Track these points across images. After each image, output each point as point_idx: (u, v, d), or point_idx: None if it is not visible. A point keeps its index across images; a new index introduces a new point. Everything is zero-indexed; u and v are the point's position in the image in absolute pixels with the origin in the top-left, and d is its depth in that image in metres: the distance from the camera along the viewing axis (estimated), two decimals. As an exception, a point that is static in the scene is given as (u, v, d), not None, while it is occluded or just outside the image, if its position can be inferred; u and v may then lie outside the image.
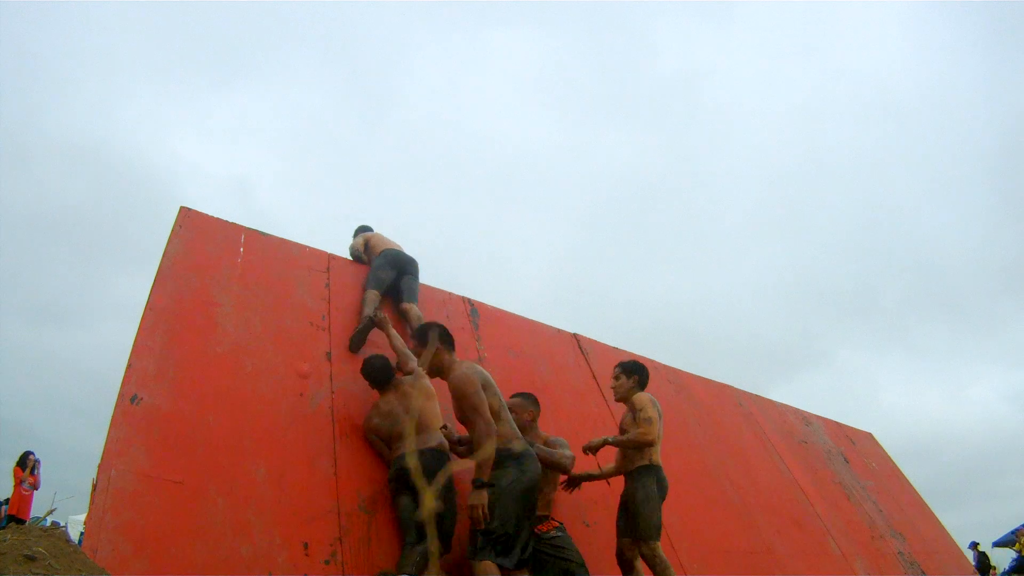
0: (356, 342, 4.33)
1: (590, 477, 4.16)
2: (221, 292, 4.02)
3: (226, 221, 4.48)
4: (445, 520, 3.51)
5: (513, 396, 4.07)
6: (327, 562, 3.29)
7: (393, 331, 4.35)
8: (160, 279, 3.82)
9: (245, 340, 3.90)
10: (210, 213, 4.43)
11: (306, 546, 3.28)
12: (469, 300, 5.52)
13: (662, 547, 3.77)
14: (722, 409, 7.01)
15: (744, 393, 7.69)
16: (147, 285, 3.78)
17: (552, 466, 3.84)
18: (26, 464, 8.36)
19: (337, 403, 4.00)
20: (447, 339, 3.56)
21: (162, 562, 2.85)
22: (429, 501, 3.50)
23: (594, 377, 5.84)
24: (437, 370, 3.53)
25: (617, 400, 4.27)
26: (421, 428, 3.80)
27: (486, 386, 3.37)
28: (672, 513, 4.39)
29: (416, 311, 4.66)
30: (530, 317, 5.99)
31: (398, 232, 5.35)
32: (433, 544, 3.42)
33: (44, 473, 8.67)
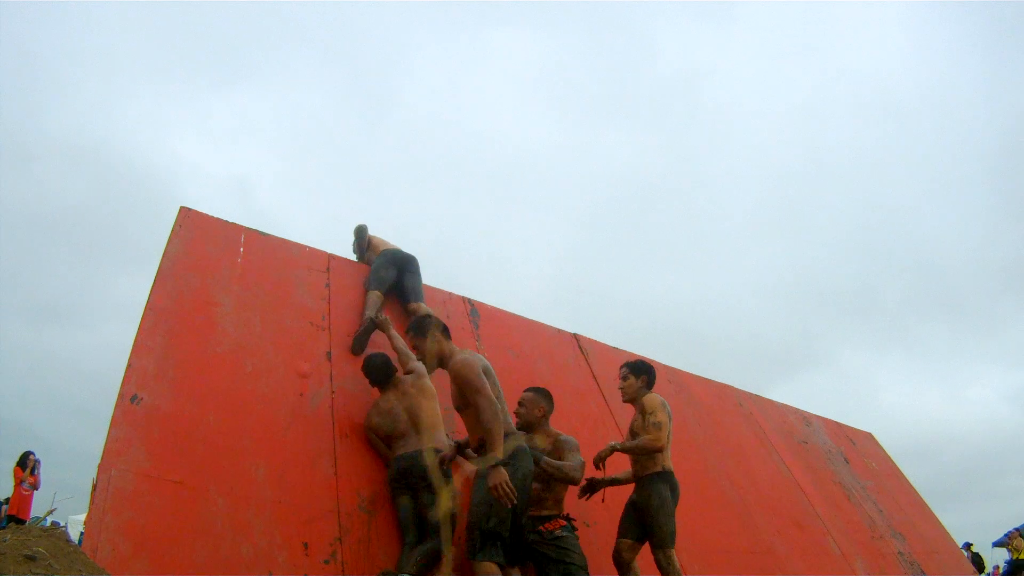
0: (358, 344, 4.33)
1: (615, 482, 4.07)
2: (221, 292, 4.02)
3: (226, 221, 4.48)
4: (444, 520, 3.51)
5: (527, 391, 4.01)
6: (327, 562, 3.29)
7: (395, 332, 4.35)
8: (160, 279, 3.82)
9: (245, 340, 3.90)
10: (210, 213, 4.43)
11: (306, 546, 3.28)
12: (469, 300, 5.52)
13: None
14: (722, 409, 7.01)
15: (744, 393, 7.69)
16: (147, 285, 3.78)
17: (561, 480, 3.76)
18: (26, 464, 8.36)
19: (337, 403, 4.00)
20: (444, 330, 3.56)
21: (162, 562, 2.85)
22: (446, 501, 3.52)
23: (594, 377, 5.84)
24: (438, 360, 3.50)
25: (625, 401, 4.20)
26: (421, 428, 3.80)
27: (486, 373, 3.35)
28: (672, 513, 4.38)
29: (425, 310, 4.66)
30: (530, 317, 5.99)
31: (398, 232, 5.36)
32: (447, 546, 3.41)
33: (44, 473, 8.68)
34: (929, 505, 8.77)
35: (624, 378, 4.14)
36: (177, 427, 3.30)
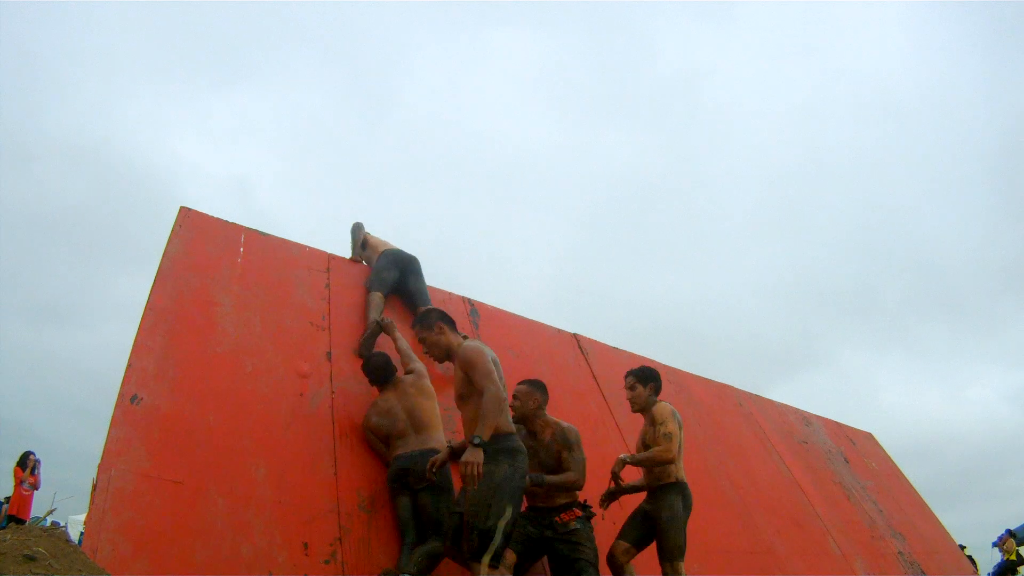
0: (365, 348, 4.32)
1: (635, 489, 4.01)
2: (221, 292, 4.02)
3: (226, 221, 4.48)
4: (443, 520, 3.50)
5: (520, 383, 3.98)
6: (327, 562, 3.29)
7: (399, 335, 4.34)
8: (160, 279, 3.82)
9: (245, 340, 3.90)
10: (210, 213, 4.43)
11: (306, 546, 3.28)
12: (469, 300, 5.52)
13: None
14: (722, 409, 7.01)
15: (744, 393, 7.69)
16: (147, 285, 3.78)
17: (563, 488, 3.71)
18: (26, 464, 8.36)
19: (337, 403, 4.00)
20: (448, 321, 3.51)
21: (162, 562, 2.85)
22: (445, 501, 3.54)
23: (594, 377, 5.84)
24: (445, 352, 3.42)
25: (635, 411, 4.14)
26: (420, 428, 3.79)
27: (494, 363, 3.27)
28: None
29: None
30: (530, 317, 5.99)
31: (398, 232, 5.37)
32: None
33: (44, 473, 8.68)
34: (929, 505, 8.77)
35: (631, 388, 4.08)
36: (177, 427, 3.30)
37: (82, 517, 8.52)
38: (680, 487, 3.82)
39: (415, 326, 3.59)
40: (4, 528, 2.76)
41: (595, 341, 6.34)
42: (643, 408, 4.04)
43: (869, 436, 9.43)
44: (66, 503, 11.12)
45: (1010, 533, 12.70)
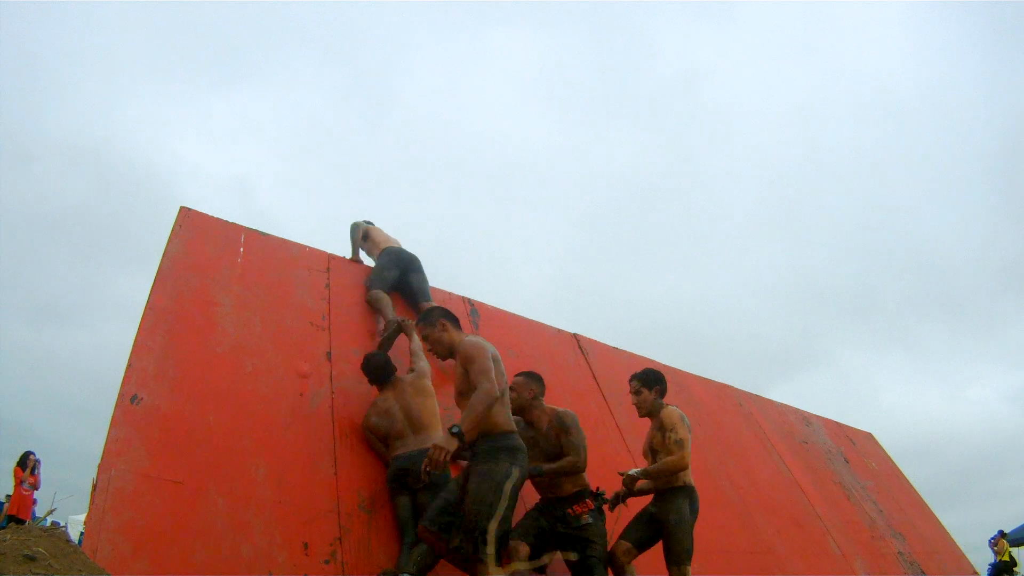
0: (385, 348, 4.35)
1: (644, 492, 3.95)
2: (221, 292, 4.02)
3: (226, 221, 4.48)
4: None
5: (517, 375, 3.97)
6: (327, 562, 3.29)
7: (416, 336, 4.33)
8: (160, 279, 3.82)
9: (245, 340, 3.90)
10: (210, 213, 4.43)
11: (306, 546, 3.28)
12: (469, 300, 5.52)
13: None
14: (722, 409, 7.01)
15: (744, 393, 7.69)
16: (147, 285, 3.78)
17: (565, 474, 3.69)
18: (26, 464, 8.37)
19: (337, 403, 4.00)
20: (452, 318, 3.51)
21: (162, 562, 2.85)
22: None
23: (594, 377, 5.84)
24: (448, 349, 3.40)
25: (642, 416, 4.08)
26: (418, 427, 3.79)
27: (495, 360, 3.25)
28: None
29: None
30: (530, 317, 5.99)
31: (398, 232, 5.35)
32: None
33: (44, 473, 8.69)
34: (929, 505, 8.78)
35: (636, 392, 4.00)
36: (177, 427, 3.30)
37: (82, 517, 8.52)
38: (688, 491, 3.78)
39: (419, 323, 3.60)
40: (4, 528, 2.76)
41: (595, 341, 6.34)
42: (650, 412, 3.98)
43: (869, 436, 9.43)
44: (66, 503, 11.11)
45: (1002, 534, 12.78)
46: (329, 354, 4.23)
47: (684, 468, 3.73)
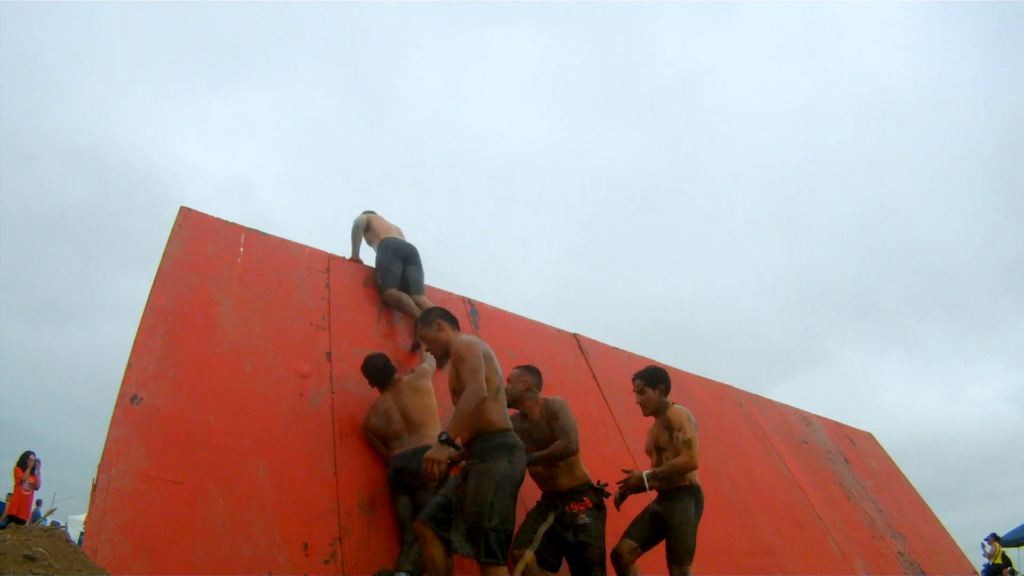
0: (416, 347, 4.57)
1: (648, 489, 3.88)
2: (221, 292, 4.02)
3: (226, 221, 4.47)
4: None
5: (514, 368, 3.98)
6: (327, 562, 3.29)
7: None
8: (160, 279, 3.82)
9: (245, 340, 3.90)
10: (210, 213, 4.43)
11: (306, 546, 3.28)
12: (469, 300, 5.52)
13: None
14: (722, 409, 7.01)
15: (744, 393, 7.69)
16: (147, 285, 3.78)
17: (556, 460, 3.65)
18: (26, 464, 8.37)
19: (337, 403, 4.00)
20: (449, 318, 3.50)
21: (162, 562, 2.85)
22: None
23: (594, 377, 5.84)
24: (444, 349, 3.39)
25: (647, 415, 4.05)
26: (413, 426, 3.79)
27: (487, 358, 3.23)
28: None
29: (428, 303, 4.68)
30: (530, 317, 5.99)
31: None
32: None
33: (44, 473, 8.69)
34: (929, 505, 8.78)
35: (640, 392, 3.96)
36: (177, 427, 3.30)
37: (82, 517, 8.53)
38: (694, 491, 3.76)
39: (418, 323, 3.61)
40: (4, 528, 2.76)
41: (595, 341, 6.34)
42: (655, 412, 3.96)
43: (869, 436, 9.43)
44: (66, 503, 11.13)
45: (994, 536, 12.81)
46: (329, 354, 4.23)
47: (693, 468, 3.71)
